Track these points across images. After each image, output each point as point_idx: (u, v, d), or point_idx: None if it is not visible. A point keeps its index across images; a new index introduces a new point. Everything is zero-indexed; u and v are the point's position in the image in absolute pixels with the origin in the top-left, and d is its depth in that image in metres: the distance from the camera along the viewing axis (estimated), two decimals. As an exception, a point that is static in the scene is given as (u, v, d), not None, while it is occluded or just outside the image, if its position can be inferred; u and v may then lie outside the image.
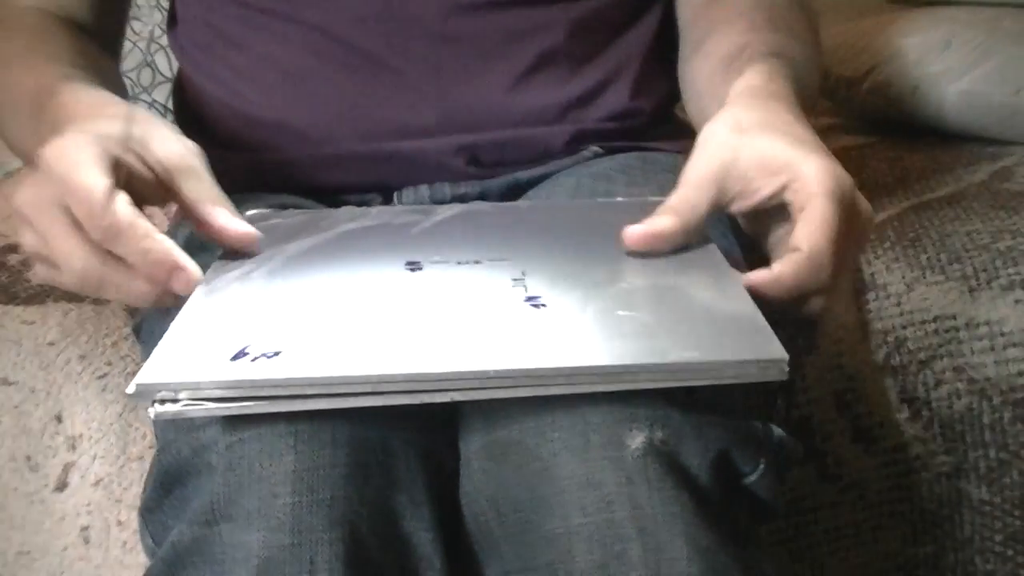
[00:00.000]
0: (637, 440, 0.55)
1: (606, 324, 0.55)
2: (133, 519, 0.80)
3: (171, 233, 0.70)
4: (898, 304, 0.90)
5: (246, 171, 0.78)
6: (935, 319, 0.89)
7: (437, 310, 0.57)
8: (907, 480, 0.91)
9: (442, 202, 0.79)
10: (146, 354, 0.58)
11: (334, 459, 0.54)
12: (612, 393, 0.54)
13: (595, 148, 0.82)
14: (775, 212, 0.61)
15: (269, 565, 0.52)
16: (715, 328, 0.55)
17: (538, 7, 0.80)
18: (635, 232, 0.62)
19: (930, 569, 0.92)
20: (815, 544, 0.90)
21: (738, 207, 0.62)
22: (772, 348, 0.53)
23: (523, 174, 0.81)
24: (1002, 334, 0.89)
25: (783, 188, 0.59)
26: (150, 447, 0.81)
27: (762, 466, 0.59)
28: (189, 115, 0.86)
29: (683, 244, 0.62)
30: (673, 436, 0.55)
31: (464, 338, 0.54)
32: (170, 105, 0.96)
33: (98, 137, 0.59)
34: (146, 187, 0.61)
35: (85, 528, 0.83)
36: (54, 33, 0.79)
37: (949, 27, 1.21)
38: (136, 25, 1.30)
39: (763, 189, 0.60)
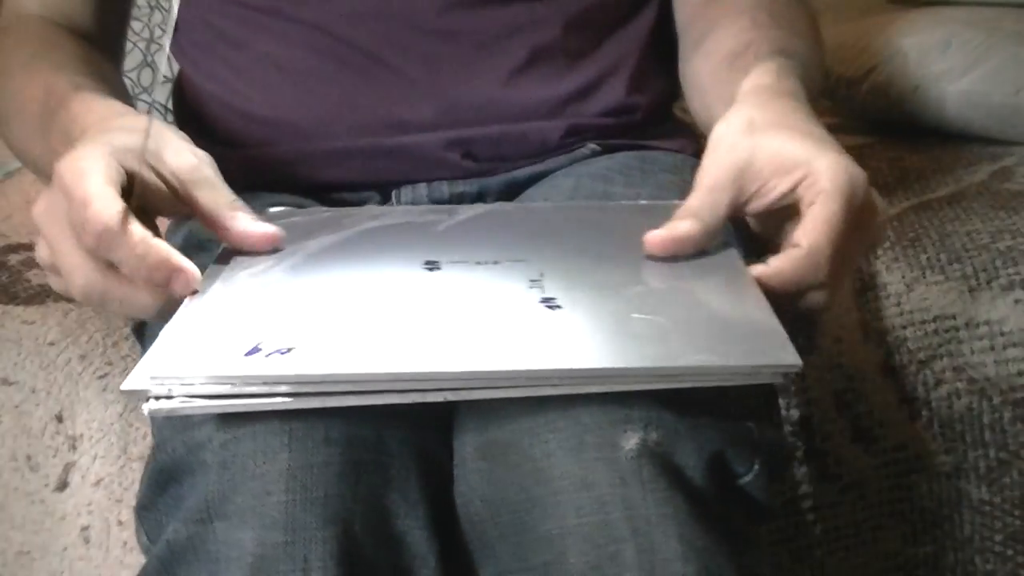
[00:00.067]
0: (631, 441, 0.54)
1: (619, 326, 0.55)
2: (133, 519, 0.81)
3: (167, 235, 0.70)
4: (898, 304, 0.90)
5: (244, 169, 0.78)
6: (935, 319, 0.89)
7: (451, 310, 0.57)
8: (907, 480, 0.91)
9: (440, 201, 0.79)
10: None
11: (328, 457, 0.54)
12: (607, 394, 0.54)
13: (592, 146, 0.82)
14: (787, 210, 0.61)
15: (263, 563, 0.52)
16: (729, 332, 0.54)
17: (533, 2, 0.80)
18: (656, 237, 0.61)
19: (930, 569, 0.92)
20: (815, 544, 0.90)
21: (754, 207, 0.61)
22: (785, 354, 0.52)
23: (521, 172, 0.81)
24: (1002, 334, 0.89)
25: (796, 184, 0.59)
26: (151, 447, 0.81)
27: (756, 467, 0.59)
28: (188, 113, 0.86)
29: (704, 247, 0.62)
30: (667, 437, 0.55)
31: (473, 338, 0.54)
32: (170, 105, 0.96)
33: (114, 150, 0.59)
34: (162, 199, 0.61)
35: (85, 528, 0.83)
36: (59, 41, 0.79)
37: (949, 27, 1.21)
38: (136, 25, 1.31)
39: (779, 187, 0.60)
